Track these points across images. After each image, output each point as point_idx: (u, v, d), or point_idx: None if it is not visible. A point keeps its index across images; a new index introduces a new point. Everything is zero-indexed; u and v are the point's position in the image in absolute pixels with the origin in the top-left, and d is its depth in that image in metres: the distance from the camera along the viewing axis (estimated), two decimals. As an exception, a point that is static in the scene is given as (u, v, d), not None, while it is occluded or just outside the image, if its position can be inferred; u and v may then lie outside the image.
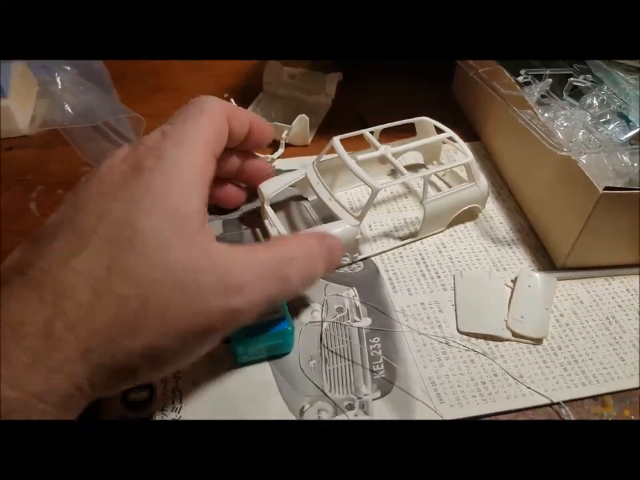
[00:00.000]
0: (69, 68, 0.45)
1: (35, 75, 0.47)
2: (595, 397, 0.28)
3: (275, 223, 0.35)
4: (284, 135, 0.44)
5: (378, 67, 0.55)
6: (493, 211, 0.39)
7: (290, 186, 0.37)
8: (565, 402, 0.27)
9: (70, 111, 0.41)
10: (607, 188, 0.30)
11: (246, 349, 0.27)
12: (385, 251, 0.36)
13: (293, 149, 0.45)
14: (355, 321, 0.31)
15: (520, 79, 0.40)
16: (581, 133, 0.36)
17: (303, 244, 0.25)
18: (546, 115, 0.37)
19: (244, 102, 0.48)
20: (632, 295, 0.33)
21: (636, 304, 0.33)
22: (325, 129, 0.47)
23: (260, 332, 0.27)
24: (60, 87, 0.42)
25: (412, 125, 0.40)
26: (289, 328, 0.28)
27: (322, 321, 0.31)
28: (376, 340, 0.30)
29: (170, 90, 0.51)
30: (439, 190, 0.40)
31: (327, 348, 0.29)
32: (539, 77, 0.40)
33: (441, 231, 0.37)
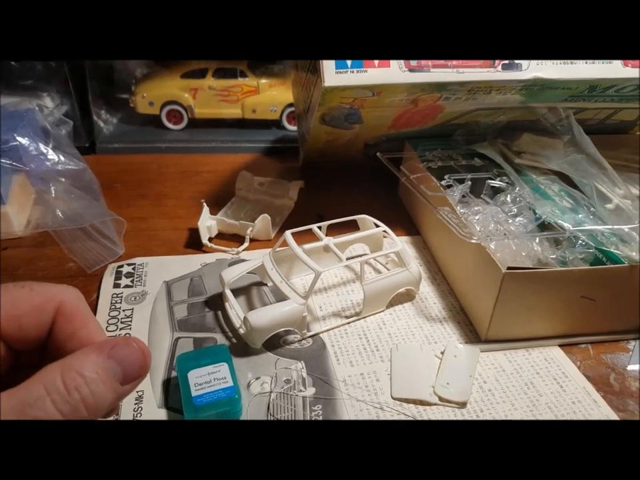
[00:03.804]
0: (63, 179, 0.52)
1: (33, 185, 0.54)
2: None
3: (234, 305, 0.40)
4: (248, 231, 0.50)
5: (335, 177, 0.63)
6: (429, 293, 0.44)
7: (251, 273, 0.43)
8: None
9: (61, 215, 0.47)
10: (510, 268, 0.36)
11: (196, 416, 0.30)
12: (331, 328, 0.40)
13: (257, 243, 0.51)
14: (301, 390, 0.35)
15: (443, 182, 0.47)
16: (492, 225, 0.42)
17: (53, 375, 0.20)
18: (462, 210, 0.44)
19: (218, 205, 0.55)
20: (549, 363, 0.38)
21: (552, 371, 0.37)
22: (288, 226, 0.54)
23: (209, 400, 0.31)
24: (54, 195, 0.49)
25: (356, 222, 0.47)
26: (236, 396, 0.32)
27: (270, 392, 0.34)
28: (318, 407, 0.33)
29: (153, 197, 0.59)
30: (381, 276, 0.46)
31: (273, 416, 0.33)
32: (462, 181, 0.48)
33: (382, 311, 0.42)
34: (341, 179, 0.63)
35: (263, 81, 0.72)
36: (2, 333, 0.22)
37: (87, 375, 0.20)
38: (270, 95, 0.73)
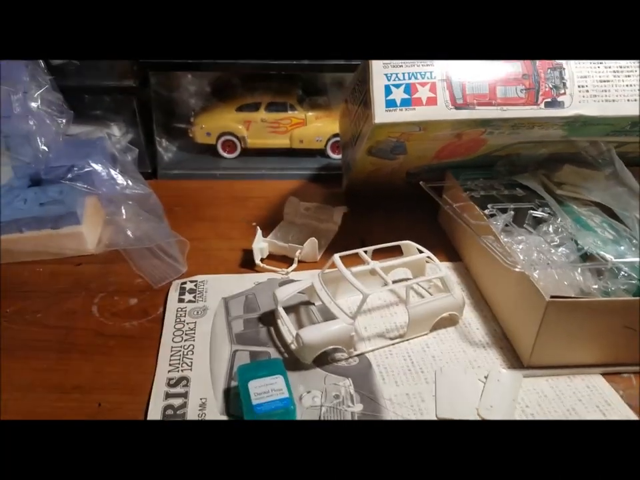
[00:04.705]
0: (131, 202, 0.57)
1: (104, 207, 0.59)
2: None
3: (286, 322, 0.43)
4: (297, 254, 0.53)
5: (377, 204, 0.66)
6: (472, 319, 0.46)
7: (300, 293, 0.46)
8: None
9: (131, 235, 0.52)
10: (553, 297, 0.37)
11: (256, 422, 0.33)
12: (377, 349, 0.42)
13: (305, 265, 0.54)
14: (349, 406, 0.37)
15: (486, 211, 0.49)
16: (535, 254, 0.44)
17: None
18: (506, 239, 0.45)
19: (267, 228, 0.59)
20: (591, 390, 0.39)
21: (594, 398, 0.38)
22: (333, 249, 0.57)
23: (267, 409, 0.34)
24: (124, 217, 0.54)
25: (400, 247, 0.49)
26: (292, 407, 0.34)
27: (321, 406, 0.37)
28: (365, 421, 0.36)
29: (209, 220, 0.63)
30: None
31: (324, 426, 0.35)
32: (504, 210, 0.50)
33: (426, 334, 0.44)
34: (383, 205, 0.66)
35: (310, 113, 0.77)
36: None
37: None
38: (316, 126, 0.77)
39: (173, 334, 0.43)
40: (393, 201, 0.66)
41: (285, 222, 0.62)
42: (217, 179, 0.74)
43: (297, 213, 0.62)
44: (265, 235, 0.57)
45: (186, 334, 0.43)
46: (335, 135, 0.76)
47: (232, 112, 0.76)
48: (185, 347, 0.41)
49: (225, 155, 0.78)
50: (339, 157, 0.76)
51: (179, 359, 0.40)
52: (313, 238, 0.54)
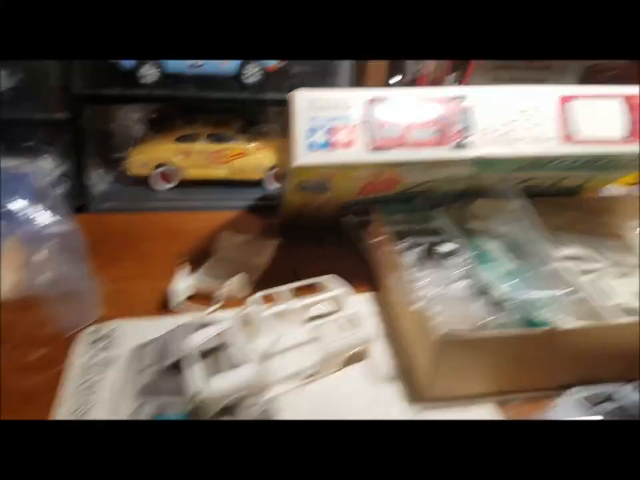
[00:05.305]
0: (52, 241, 0.56)
1: (24, 248, 0.57)
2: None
3: (194, 370, 0.41)
4: (223, 291, 0.53)
5: (311, 235, 0.67)
6: (383, 353, 0.48)
7: (220, 334, 0.45)
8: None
9: (47, 279, 0.51)
10: (445, 333, 0.39)
11: None
12: (288, 391, 0.43)
13: (232, 303, 0.53)
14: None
15: (400, 246, 0.51)
16: (435, 289, 0.46)
17: None
18: (412, 275, 0.47)
19: (199, 263, 0.58)
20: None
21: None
22: (263, 283, 0.57)
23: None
24: (43, 258, 0.53)
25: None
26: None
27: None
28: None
29: (136, 257, 0.61)
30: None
31: None
32: (417, 245, 0.52)
33: (337, 371, 0.45)
34: (317, 236, 0.66)
35: (251, 144, 0.78)
36: None
37: None
38: (256, 157, 0.78)
39: (76, 389, 0.42)
40: (327, 232, 0.67)
41: (216, 257, 0.62)
42: (153, 210, 0.73)
43: (229, 248, 0.62)
44: (195, 270, 0.57)
45: (89, 388, 0.42)
46: (275, 166, 0.77)
47: (170, 143, 0.76)
48: (89, 402, 0.41)
49: (162, 186, 0.77)
50: (279, 186, 0.77)
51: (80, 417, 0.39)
52: (240, 274, 0.54)
